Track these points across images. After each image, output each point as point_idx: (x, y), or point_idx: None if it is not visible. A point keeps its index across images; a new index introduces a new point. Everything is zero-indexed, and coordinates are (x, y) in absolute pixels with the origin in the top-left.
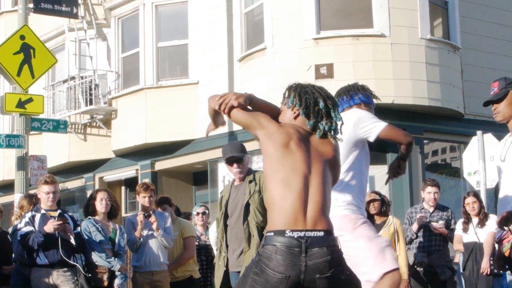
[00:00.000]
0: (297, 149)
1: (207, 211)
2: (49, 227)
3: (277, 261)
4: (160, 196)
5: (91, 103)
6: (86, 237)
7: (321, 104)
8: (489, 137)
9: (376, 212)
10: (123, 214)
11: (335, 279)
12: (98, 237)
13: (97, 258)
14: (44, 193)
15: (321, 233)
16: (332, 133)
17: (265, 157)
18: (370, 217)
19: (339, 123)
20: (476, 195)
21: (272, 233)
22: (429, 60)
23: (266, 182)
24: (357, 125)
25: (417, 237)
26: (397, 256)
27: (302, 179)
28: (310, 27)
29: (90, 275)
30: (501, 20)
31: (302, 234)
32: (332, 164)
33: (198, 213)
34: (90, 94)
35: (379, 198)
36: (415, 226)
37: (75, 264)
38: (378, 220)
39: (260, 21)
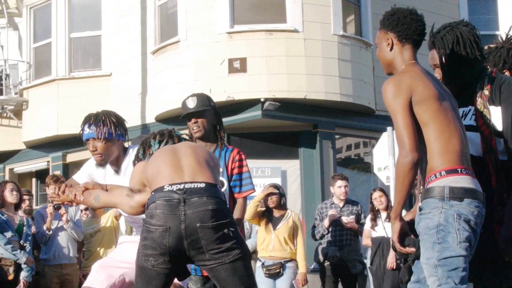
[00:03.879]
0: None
1: None
2: None
3: (157, 215)
4: None
5: (1, 94)
6: None
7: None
8: None
9: (274, 205)
10: (34, 206)
11: (218, 232)
12: (4, 229)
13: (2, 250)
14: None
15: (202, 184)
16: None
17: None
18: (269, 211)
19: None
20: (382, 190)
21: (153, 193)
22: (342, 56)
23: None
24: None
25: (328, 232)
26: (296, 249)
27: (171, 162)
28: (224, 21)
29: None
30: None
31: (181, 186)
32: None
33: None
34: (1, 85)
35: (278, 191)
36: (326, 222)
37: None
38: (277, 213)
39: (174, 14)
